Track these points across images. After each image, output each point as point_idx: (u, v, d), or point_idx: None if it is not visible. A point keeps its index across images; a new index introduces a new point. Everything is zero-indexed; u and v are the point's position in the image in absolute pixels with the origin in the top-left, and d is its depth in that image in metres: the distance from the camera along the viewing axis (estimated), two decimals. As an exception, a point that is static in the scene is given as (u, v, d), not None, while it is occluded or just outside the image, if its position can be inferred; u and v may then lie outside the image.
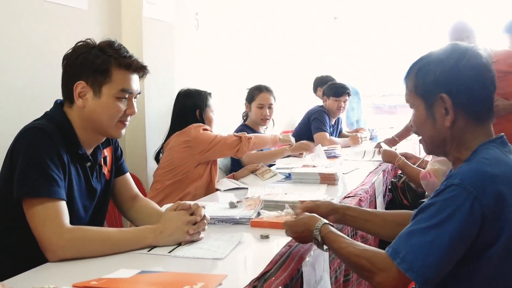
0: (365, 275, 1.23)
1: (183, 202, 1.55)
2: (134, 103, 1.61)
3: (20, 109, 2.17)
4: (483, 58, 1.29)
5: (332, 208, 1.60)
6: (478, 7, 5.91)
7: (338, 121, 4.50)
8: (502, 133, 1.31)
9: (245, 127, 3.30)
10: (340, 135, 4.53)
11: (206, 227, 1.54)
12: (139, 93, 1.63)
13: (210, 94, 2.74)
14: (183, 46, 3.31)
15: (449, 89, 1.25)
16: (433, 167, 2.46)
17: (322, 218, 1.40)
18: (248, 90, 3.40)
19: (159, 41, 2.99)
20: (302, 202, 1.75)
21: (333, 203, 1.65)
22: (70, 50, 1.56)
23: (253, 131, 3.29)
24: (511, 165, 1.21)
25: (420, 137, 1.38)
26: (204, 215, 1.53)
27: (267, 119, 3.32)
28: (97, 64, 1.51)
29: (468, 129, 1.27)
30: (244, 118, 3.43)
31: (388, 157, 2.98)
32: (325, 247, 1.35)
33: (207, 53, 3.70)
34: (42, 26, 2.29)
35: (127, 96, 1.55)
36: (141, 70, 1.60)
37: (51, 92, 2.24)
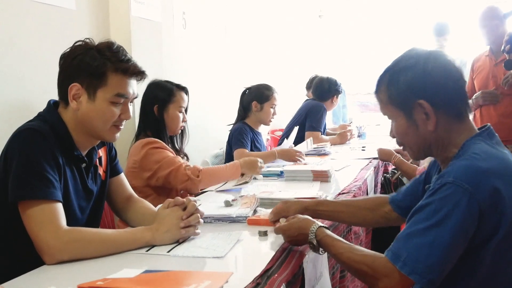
0: (368, 281, 1.23)
1: (175, 198, 1.55)
2: (130, 108, 1.58)
3: (7, 110, 2.13)
4: (446, 56, 1.31)
5: (303, 206, 1.61)
6: (460, 5, 5.98)
7: None
8: (488, 124, 1.32)
9: (244, 125, 3.29)
10: (325, 132, 4.55)
11: (202, 221, 1.53)
12: (136, 97, 1.60)
13: (182, 88, 2.48)
14: (171, 46, 3.29)
15: (425, 93, 1.26)
16: (427, 164, 2.50)
17: (316, 221, 1.39)
18: (253, 89, 3.35)
19: (147, 41, 2.97)
20: (297, 199, 1.76)
21: (302, 201, 1.65)
22: (68, 50, 1.52)
23: (252, 129, 3.30)
24: (501, 158, 1.22)
25: (404, 146, 1.37)
26: (197, 209, 1.52)
27: (272, 119, 3.36)
28: (93, 67, 1.47)
29: (452, 128, 1.28)
30: (242, 116, 3.39)
31: (385, 155, 3.02)
32: (321, 250, 1.35)
33: (195, 52, 3.69)
34: (29, 26, 2.25)
35: (122, 100, 1.52)
36: (138, 74, 1.56)
37: (39, 92, 2.23)
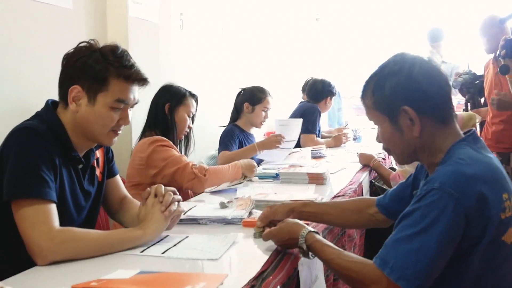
0: (357, 287, 1.23)
1: (142, 194, 1.57)
2: (130, 113, 1.56)
3: (4, 110, 2.12)
4: (432, 62, 1.31)
5: (288, 208, 1.60)
6: (454, 9, 6.01)
7: None
8: (473, 128, 1.34)
9: (235, 127, 3.28)
10: (320, 135, 4.55)
11: (176, 196, 1.56)
12: (137, 103, 1.58)
13: (193, 95, 2.55)
14: (168, 46, 3.29)
15: (410, 99, 1.26)
16: (401, 168, 2.60)
17: (306, 226, 1.39)
18: (246, 90, 3.35)
19: (145, 41, 2.97)
20: (283, 202, 1.76)
21: (288, 204, 1.64)
22: (72, 50, 1.51)
23: (243, 131, 3.28)
24: (486, 163, 1.23)
25: (390, 151, 1.38)
26: (165, 189, 1.54)
27: (264, 122, 3.35)
28: (95, 71, 1.46)
29: (437, 133, 1.29)
30: (234, 117, 3.39)
31: (364, 159, 3.06)
32: (311, 254, 1.34)
33: (192, 53, 3.69)
34: (26, 25, 2.25)
35: (122, 106, 1.51)
36: (140, 81, 1.54)
37: (36, 92, 2.22)
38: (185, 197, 2.36)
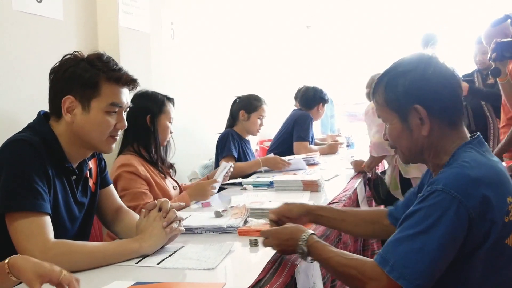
0: (355, 284, 1.22)
1: (147, 205, 1.57)
2: (124, 116, 1.57)
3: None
4: (446, 64, 1.31)
5: (305, 209, 1.61)
6: (449, 16, 6.06)
7: None
8: (478, 133, 1.34)
9: (231, 131, 3.30)
10: (313, 142, 4.56)
11: (180, 215, 1.56)
12: (129, 107, 1.60)
13: (170, 99, 2.45)
14: (159, 56, 3.29)
15: (422, 99, 1.27)
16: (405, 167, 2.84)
17: (307, 229, 1.38)
18: (242, 98, 3.37)
19: (136, 51, 2.97)
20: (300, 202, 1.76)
21: (305, 205, 1.65)
22: (58, 64, 1.51)
23: (240, 138, 3.30)
24: (491, 166, 1.23)
25: (396, 148, 1.39)
26: (171, 206, 1.54)
27: (259, 130, 3.39)
28: (86, 78, 1.46)
29: (445, 135, 1.29)
30: (230, 124, 3.40)
31: (357, 166, 3.13)
32: (309, 258, 1.34)
33: (183, 63, 3.69)
34: (16, 37, 2.23)
35: (116, 110, 1.52)
36: (131, 83, 1.55)
37: (27, 104, 2.20)
38: None
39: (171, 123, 2.44)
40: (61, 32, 2.49)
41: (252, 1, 5.21)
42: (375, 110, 1.40)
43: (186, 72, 3.73)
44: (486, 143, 1.33)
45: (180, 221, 1.55)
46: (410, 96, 1.28)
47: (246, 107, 3.32)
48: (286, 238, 1.39)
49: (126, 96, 1.55)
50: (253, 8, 5.22)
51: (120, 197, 2.04)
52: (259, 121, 3.33)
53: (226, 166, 2.55)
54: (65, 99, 1.47)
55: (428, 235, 1.13)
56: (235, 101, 3.43)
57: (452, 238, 1.14)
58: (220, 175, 2.47)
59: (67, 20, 2.53)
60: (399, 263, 1.13)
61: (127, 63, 2.78)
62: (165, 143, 2.46)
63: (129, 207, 2.00)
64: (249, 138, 3.47)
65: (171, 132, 2.47)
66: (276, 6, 5.82)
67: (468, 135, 1.33)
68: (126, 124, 1.57)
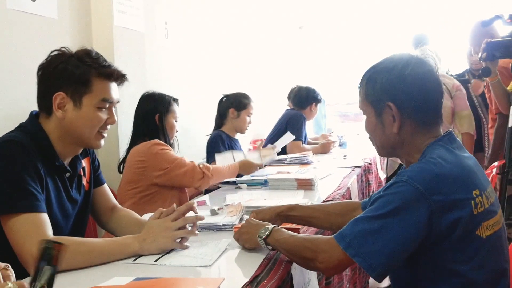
0: (307, 256, 1.26)
1: (166, 210, 1.54)
2: (114, 112, 1.58)
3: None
4: (427, 66, 1.36)
5: (275, 213, 1.63)
6: (441, 15, 6.11)
7: None
8: (450, 130, 1.38)
9: (222, 134, 3.29)
10: (306, 142, 4.58)
11: (197, 231, 1.53)
12: (118, 102, 1.60)
13: (176, 100, 2.63)
14: (153, 55, 3.29)
15: (395, 97, 1.31)
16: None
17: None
18: (231, 96, 3.37)
19: (130, 50, 2.97)
20: (269, 207, 1.78)
21: (274, 208, 1.67)
22: (46, 60, 1.51)
23: (229, 138, 3.30)
24: (456, 162, 1.27)
25: (372, 141, 1.44)
26: (195, 224, 1.52)
27: (248, 127, 3.40)
28: (77, 75, 1.47)
29: (416, 134, 1.33)
30: (219, 124, 3.40)
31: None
32: (269, 247, 1.38)
33: (177, 62, 3.70)
34: (10, 35, 2.23)
35: (107, 105, 1.53)
36: (121, 79, 1.57)
37: (21, 102, 2.19)
38: (184, 198, 2.55)
39: (176, 121, 2.61)
40: (55, 31, 2.49)
41: (246, 2, 5.22)
42: (358, 102, 1.44)
43: (180, 71, 3.74)
44: (458, 139, 1.37)
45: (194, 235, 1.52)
46: (385, 93, 1.33)
47: (236, 105, 3.32)
48: (256, 223, 1.45)
49: (116, 92, 1.56)
50: (247, 8, 5.23)
51: (170, 169, 2.37)
52: (248, 118, 3.34)
53: (274, 157, 3.00)
54: (56, 95, 1.47)
55: (387, 220, 1.18)
56: (222, 99, 3.42)
57: (410, 227, 1.18)
58: (266, 160, 2.93)
59: (61, 19, 2.54)
60: (355, 242, 1.18)
61: (121, 62, 2.79)
62: (172, 140, 2.62)
63: (184, 173, 2.40)
64: (238, 136, 3.47)
65: (176, 131, 2.63)
66: (269, 7, 5.84)
67: (441, 133, 1.36)
68: (116, 119, 1.58)
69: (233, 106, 3.33)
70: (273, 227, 1.40)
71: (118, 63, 2.76)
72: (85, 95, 1.48)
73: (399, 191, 1.21)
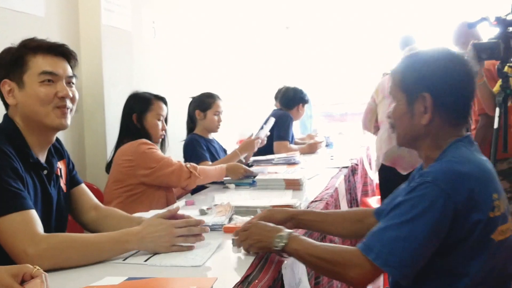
0: (337, 271, 1.24)
1: (174, 208, 1.54)
2: (73, 88, 1.55)
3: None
4: (469, 66, 1.34)
5: (288, 215, 1.61)
6: (426, 17, 6.17)
7: None
8: (469, 133, 1.39)
9: (196, 136, 3.21)
10: (293, 142, 4.59)
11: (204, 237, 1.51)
12: (74, 77, 1.57)
13: (160, 98, 2.57)
14: (141, 54, 3.28)
15: (433, 90, 1.30)
16: None
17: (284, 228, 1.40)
18: (195, 98, 3.30)
19: (118, 49, 2.95)
20: (274, 207, 1.77)
21: (288, 210, 1.65)
22: None
23: (204, 139, 3.23)
24: (478, 163, 1.28)
25: (394, 128, 1.42)
26: (201, 234, 1.49)
27: (219, 125, 3.30)
28: (12, 57, 1.49)
29: (442, 130, 1.33)
30: (191, 127, 3.33)
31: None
32: (284, 254, 1.35)
33: (165, 61, 3.68)
34: (-4, 33, 2.20)
35: (51, 78, 1.49)
36: (59, 49, 1.54)
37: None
38: (171, 198, 2.53)
39: (160, 120, 2.54)
40: (42, 29, 2.46)
41: (233, 2, 5.22)
42: (389, 86, 1.42)
43: (168, 70, 3.72)
44: (475, 143, 1.37)
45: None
46: (423, 83, 1.31)
47: (200, 106, 3.24)
48: (269, 229, 1.39)
49: (61, 66, 1.53)
50: (234, 9, 5.23)
51: (157, 168, 2.35)
52: (216, 117, 3.24)
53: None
54: (3, 84, 1.49)
55: (414, 224, 1.17)
56: (190, 102, 3.34)
57: (437, 229, 1.18)
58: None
59: (48, 17, 2.51)
60: (384, 251, 1.16)
61: (109, 61, 2.78)
62: (158, 140, 2.57)
63: (171, 172, 2.39)
64: (216, 136, 3.41)
65: (163, 129, 2.57)
66: (256, 7, 5.85)
67: (464, 133, 1.36)
68: (70, 93, 1.52)
69: (198, 107, 3.24)
70: (289, 233, 1.34)
71: (106, 62, 2.76)
72: (25, 74, 1.48)
73: (425, 193, 1.19)
